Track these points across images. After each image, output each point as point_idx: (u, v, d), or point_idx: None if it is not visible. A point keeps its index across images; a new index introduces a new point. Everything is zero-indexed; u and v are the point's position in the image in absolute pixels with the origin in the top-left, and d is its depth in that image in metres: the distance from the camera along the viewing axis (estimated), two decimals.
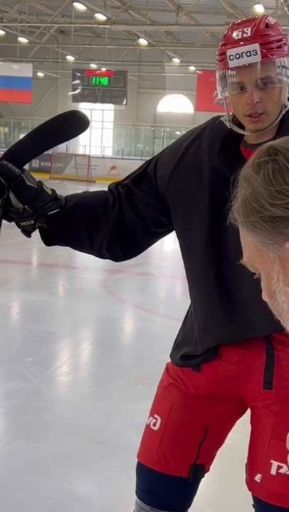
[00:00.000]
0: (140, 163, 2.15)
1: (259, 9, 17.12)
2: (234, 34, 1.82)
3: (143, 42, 23.79)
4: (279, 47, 1.81)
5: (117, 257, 2.09)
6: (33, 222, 1.92)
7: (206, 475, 2.06)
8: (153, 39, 24.27)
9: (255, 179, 0.97)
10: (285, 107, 1.87)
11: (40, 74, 30.54)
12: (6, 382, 4.77)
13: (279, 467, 1.84)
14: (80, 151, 31.33)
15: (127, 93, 26.43)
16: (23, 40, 24.94)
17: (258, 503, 1.92)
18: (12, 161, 1.85)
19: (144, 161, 2.15)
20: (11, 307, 7.25)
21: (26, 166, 1.93)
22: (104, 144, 33.19)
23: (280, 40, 1.81)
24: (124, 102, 26.89)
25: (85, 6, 19.84)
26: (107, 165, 27.66)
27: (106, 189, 2.09)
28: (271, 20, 1.85)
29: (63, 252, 9.39)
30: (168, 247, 10.48)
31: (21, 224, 1.92)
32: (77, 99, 27.16)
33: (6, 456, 3.65)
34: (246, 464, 1.96)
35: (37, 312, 6.71)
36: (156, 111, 32.91)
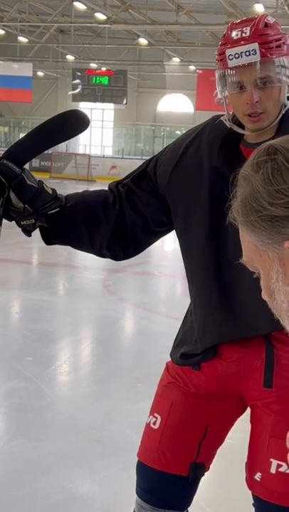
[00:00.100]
0: (140, 163, 2.15)
1: (259, 8, 17.12)
2: (233, 34, 1.82)
3: (143, 41, 23.79)
4: (278, 46, 1.81)
5: (117, 256, 2.09)
6: (33, 221, 1.92)
7: (206, 474, 2.07)
8: (153, 38, 24.27)
9: (254, 178, 0.97)
10: (285, 106, 1.87)
11: (40, 73, 30.55)
12: (6, 381, 4.78)
13: (279, 466, 1.85)
14: (80, 151, 31.34)
15: (127, 92, 26.43)
16: (23, 39, 24.94)
17: (257, 501, 1.92)
18: (12, 160, 1.86)
19: (144, 161, 2.15)
20: (12, 306, 7.25)
21: (26, 166, 1.93)
22: (104, 144, 33.19)
23: (279, 40, 1.82)
24: (125, 102, 26.88)
25: (85, 5, 19.84)
26: (107, 164, 27.66)
27: (106, 188, 2.09)
28: (270, 20, 1.86)
29: (63, 252, 9.39)
30: (168, 246, 10.48)
31: (22, 223, 1.92)
32: (77, 98, 27.16)
33: (6, 456, 3.65)
34: (246, 463, 1.97)
35: (37, 311, 6.72)
36: (156, 110, 32.91)
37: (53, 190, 1.96)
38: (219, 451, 2.08)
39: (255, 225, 0.98)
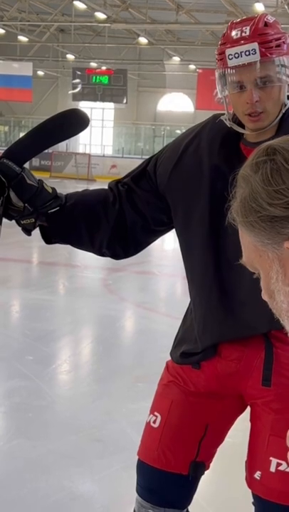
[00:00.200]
0: (140, 162, 2.15)
1: (259, 7, 17.11)
2: (233, 33, 1.82)
3: (143, 40, 23.78)
4: (278, 46, 1.81)
5: (117, 255, 2.10)
6: (33, 220, 1.92)
7: (207, 473, 2.07)
8: (153, 37, 24.27)
9: (253, 179, 0.98)
10: (285, 105, 1.87)
11: (40, 72, 30.53)
12: (7, 380, 4.78)
13: (278, 464, 1.85)
14: (81, 150, 31.33)
15: (127, 92, 26.42)
16: (23, 38, 24.93)
17: (257, 500, 1.92)
18: (12, 159, 1.86)
19: (144, 160, 2.15)
20: (12, 305, 7.25)
21: (26, 165, 1.93)
22: (104, 143, 33.17)
23: (279, 39, 1.82)
24: (125, 101, 26.88)
25: (85, 4, 19.83)
26: (107, 163, 27.65)
27: (106, 187, 2.09)
28: (270, 19, 1.86)
29: (64, 251, 9.39)
30: (168, 245, 10.49)
31: (22, 222, 1.92)
32: (77, 97, 27.15)
33: (7, 455, 3.66)
34: (246, 462, 1.97)
35: (37, 310, 6.72)
36: (156, 109, 32.89)
37: (53, 189, 1.96)
38: (219, 449, 2.09)
39: (255, 225, 0.98)
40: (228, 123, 1.91)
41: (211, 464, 2.08)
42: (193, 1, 19.40)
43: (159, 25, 21.82)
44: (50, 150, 23.43)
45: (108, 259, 2.17)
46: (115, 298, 7.65)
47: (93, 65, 28.33)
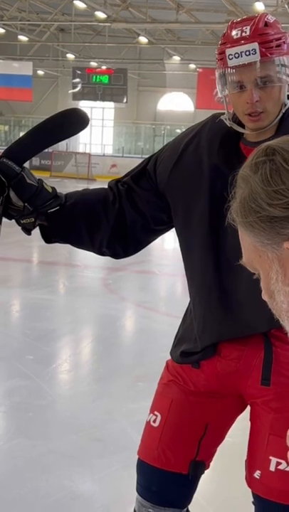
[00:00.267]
0: (140, 162, 2.15)
1: (259, 7, 17.10)
2: (233, 33, 1.82)
3: (143, 40, 23.78)
4: (278, 45, 1.81)
5: (117, 254, 2.10)
6: (33, 220, 1.92)
7: (207, 472, 2.07)
8: (153, 37, 24.26)
9: (253, 179, 0.98)
10: (285, 105, 1.87)
11: (40, 72, 30.53)
12: (7, 380, 4.78)
13: (278, 463, 1.85)
14: (81, 149, 31.32)
15: (127, 91, 26.42)
16: (23, 38, 24.93)
17: (257, 499, 1.92)
18: (12, 159, 1.86)
19: (144, 159, 2.15)
20: (12, 305, 7.25)
21: (26, 164, 1.93)
22: (104, 142, 33.17)
23: (280, 39, 1.82)
24: (125, 100, 26.88)
25: (85, 3, 19.82)
26: (107, 163, 27.64)
27: (106, 186, 2.09)
28: (270, 19, 1.85)
29: (64, 250, 9.39)
30: (169, 245, 10.49)
31: (21, 222, 1.92)
32: (77, 97, 27.14)
33: (7, 454, 3.66)
34: (246, 461, 1.97)
35: (37, 310, 6.72)
36: (156, 109, 32.88)
37: (53, 188, 1.96)
38: (219, 449, 2.09)
39: (254, 225, 0.98)
40: (228, 123, 1.91)
41: (211, 463, 2.08)
42: (194, 0, 19.39)
43: (159, 25, 21.82)
44: (50, 149, 23.44)
45: (108, 258, 2.17)
46: (115, 297, 7.65)
47: (93, 64, 28.32)
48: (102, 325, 6.54)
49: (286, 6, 18.47)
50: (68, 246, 2.13)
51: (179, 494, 2.05)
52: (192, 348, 1.98)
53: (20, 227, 1.95)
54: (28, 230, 1.95)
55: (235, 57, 1.79)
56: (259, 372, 1.89)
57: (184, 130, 2.13)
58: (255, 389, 1.91)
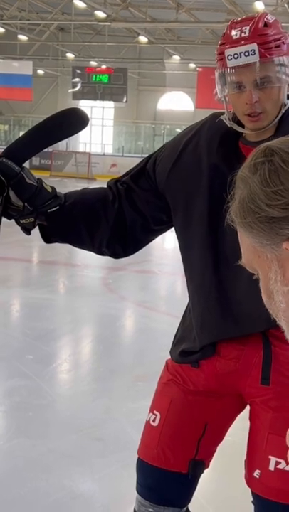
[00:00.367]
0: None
1: (259, 6, 17.10)
2: (233, 33, 1.82)
3: (143, 39, 23.77)
4: (277, 46, 1.80)
5: (116, 254, 2.10)
6: (32, 219, 1.92)
7: (207, 471, 2.07)
8: (153, 36, 24.25)
9: (251, 180, 0.98)
10: (285, 105, 1.87)
11: (40, 71, 30.52)
12: (7, 379, 4.78)
13: (277, 463, 1.85)
14: (81, 149, 31.30)
15: (127, 90, 26.41)
16: (23, 37, 24.92)
17: (256, 499, 1.92)
18: (12, 158, 1.86)
19: (143, 158, 2.14)
20: (12, 305, 7.26)
21: (26, 164, 1.93)
22: (104, 142, 33.16)
23: (279, 39, 1.81)
24: (125, 100, 26.87)
25: (85, 3, 19.81)
26: (107, 162, 27.63)
27: (105, 186, 2.09)
28: (270, 19, 1.85)
29: (64, 250, 9.39)
30: (169, 244, 10.49)
31: (21, 222, 1.92)
32: (77, 96, 27.14)
33: (7, 454, 3.66)
34: (245, 460, 1.97)
35: (37, 310, 6.72)
36: (156, 108, 32.88)
37: (53, 188, 1.96)
38: (219, 448, 2.09)
39: (253, 226, 0.98)
40: (227, 122, 1.91)
41: (211, 463, 2.08)
42: None
43: (159, 24, 21.82)
44: (50, 149, 23.42)
45: (108, 258, 2.17)
46: (115, 297, 7.66)
47: (93, 63, 28.31)
48: (102, 324, 6.54)
49: (286, 6, 18.46)
50: (68, 246, 2.13)
51: (178, 493, 2.05)
52: (191, 347, 1.98)
53: (19, 227, 1.95)
54: (27, 230, 1.95)
55: (235, 57, 1.79)
56: (258, 372, 1.90)
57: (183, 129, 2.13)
58: (255, 388, 1.91)
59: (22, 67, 26.18)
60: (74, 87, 26.47)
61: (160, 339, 5.37)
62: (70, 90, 27.01)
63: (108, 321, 6.51)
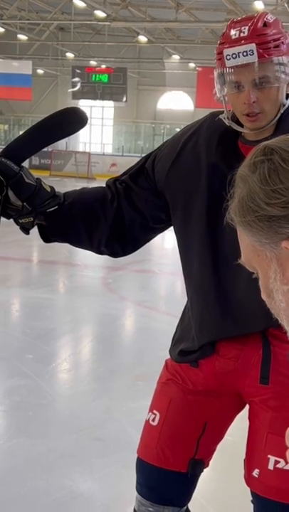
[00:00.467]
0: None
1: (259, 6, 17.10)
2: (232, 33, 1.81)
3: (143, 39, 23.77)
4: (276, 46, 1.80)
5: (115, 253, 2.10)
6: (31, 219, 1.92)
7: (206, 471, 2.07)
8: (153, 36, 24.25)
9: (251, 179, 0.98)
10: (284, 105, 1.86)
11: (39, 71, 30.52)
12: (7, 379, 4.78)
13: (276, 462, 1.85)
14: (80, 148, 31.30)
15: (126, 90, 26.42)
16: (22, 37, 24.92)
17: (256, 498, 1.92)
18: (11, 158, 1.85)
19: (142, 157, 2.14)
20: (12, 304, 7.26)
21: (26, 164, 1.93)
22: (104, 141, 33.15)
23: (278, 40, 1.81)
24: (124, 99, 26.87)
25: (85, 2, 19.81)
26: (107, 162, 27.63)
27: (104, 185, 2.09)
28: (270, 18, 1.84)
29: (63, 250, 9.39)
30: (168, 244, 10.48)
31: (20, 221, 1.92)
32: (77, 96, 27.14)
33: (7, 453, 3.66)
34: (244, 460, 1.97)
35: (37, 309, 6.72)
36: (156, 108, 32.88)
37: (52, 188, 1.96)
38: (219, 448, 2.09)
39: (253, 225, 0.98)
40: (227, 122, 1.91)
41: (211, 462, 2.08)
42: None
43: (159, 24, 21.82)
44: (49, 148, 23.44)
45: (108, 257, 2.17)
46: (115, 296, 7.66)
47: (93, 63, 28.31)
48: (102, 324, 6.54)
49: (286, 5, 18.45)
50: (68, 245, 2.13)
51: (178, 493, 2.05)
52: (190, 346, 1.98)
53: (18, 227, 1.95)
54: (26, 230, 1.95)
55: (233, 57, 1.79)
56: (258, 371, 1.90)
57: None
58: (254, 388, 1.91)
59: (22, 67, 26.18)
60: (74, 86, 26.47)
61: (160, 339, 5.36)
62: (70, 90, 27.01)
63: (108, 321, 6.51)
